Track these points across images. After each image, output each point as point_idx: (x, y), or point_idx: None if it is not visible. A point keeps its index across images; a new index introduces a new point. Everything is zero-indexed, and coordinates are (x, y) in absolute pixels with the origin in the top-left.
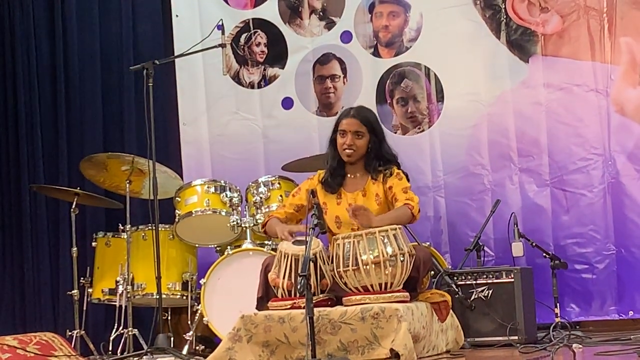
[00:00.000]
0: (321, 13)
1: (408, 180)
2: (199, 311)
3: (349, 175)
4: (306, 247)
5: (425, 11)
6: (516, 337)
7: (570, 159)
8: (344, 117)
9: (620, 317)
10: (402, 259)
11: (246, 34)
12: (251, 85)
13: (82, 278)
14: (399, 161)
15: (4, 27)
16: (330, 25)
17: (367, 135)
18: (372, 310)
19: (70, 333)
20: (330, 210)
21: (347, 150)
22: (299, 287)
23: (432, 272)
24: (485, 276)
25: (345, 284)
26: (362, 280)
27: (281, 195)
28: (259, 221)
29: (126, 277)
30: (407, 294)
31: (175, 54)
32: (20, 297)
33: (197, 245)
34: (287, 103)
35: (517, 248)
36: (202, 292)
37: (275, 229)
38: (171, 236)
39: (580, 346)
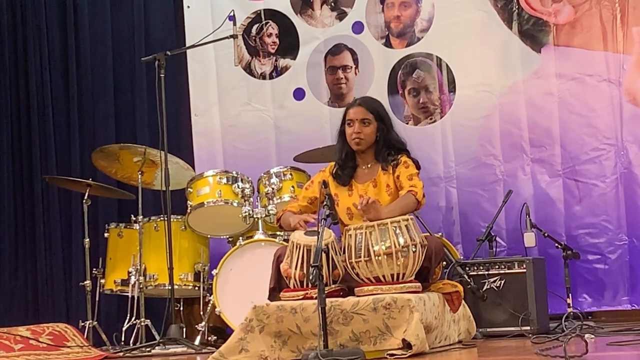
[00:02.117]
0: (332, 4)
1: (418, 166)
2: (211, 302)
3: (360, 166)
4: (318, 238)
5: (437, 1)
6: (528, 328)
7: (582, 149)
8: (350, 108)
9: (633, 308)
10: (414, 249)
11: (258, 24)
12: (263, 76)
13: (94, 269)
14: (409, 149)
15: (16, 19)
16: (341, 15)
17: (375, 123)
18: (384, 301)
19: (82, 324)
20: (342, 202)
21: (355, 139)
22: (311, 277)
23: (444, 263)
24: (497, 266)
25: (357, 274)
26: (374, 271)
27: (293, 186)
28: (271, 212)
29: (138, 267)
30: (419, 284)
31: (187, 44)
32: (33, 288)
33: (209, 236)
34: (299, 94)
35: (529, 238)
36: (214, 283)
37: (289, 220)
38: (183, 227)
39: (593, 336)
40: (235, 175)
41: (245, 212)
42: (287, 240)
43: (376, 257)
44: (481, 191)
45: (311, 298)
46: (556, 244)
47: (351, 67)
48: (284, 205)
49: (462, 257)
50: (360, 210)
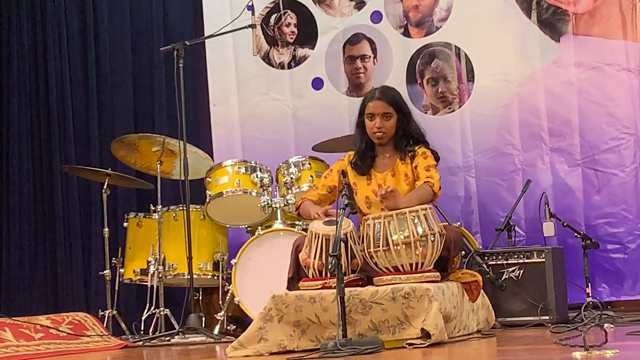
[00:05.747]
0: None
1: (437, 158)
2: (230, 291)
3: (378, 156)
4: (337, 227)
5: None
6: (547, 317)
7: (601, 139)
8: (369, 100)
9: None
10: (432, 239)
11: (276, 14)
12: (281, 66)
13: (113, 258)
14: (428, 139)
15: (35, 9)
16: (360, 5)
17: (395, 115)
18: (403, 290)
19: (102, 313)
20: (361, 191)
21: (377, 134)
22: (329, 267)
23: (463, 252)
24: (516, 256)
25: (375, 264)
26: (392, 261)
27: (311, 176)
28: (289, 201)
29: (157, 257)
30: (438, 273)
31: (206, 34)
32: (52, 278)
33: (227, 225)
34: (317, 83)
35: (548, 228)
36: (233, 272)
37: (309, 210)
38: (202, 216)
39: (612, 326)
40: (254, 164)
41: (264, 201)
42: (305, 230)
43: (395, 247)
44: (500, 181)
45: (330, 287)
46: (575, 234)
47: (370, 56)
48: (303, 195)
49: (480, 247)
50: (379, 197)
